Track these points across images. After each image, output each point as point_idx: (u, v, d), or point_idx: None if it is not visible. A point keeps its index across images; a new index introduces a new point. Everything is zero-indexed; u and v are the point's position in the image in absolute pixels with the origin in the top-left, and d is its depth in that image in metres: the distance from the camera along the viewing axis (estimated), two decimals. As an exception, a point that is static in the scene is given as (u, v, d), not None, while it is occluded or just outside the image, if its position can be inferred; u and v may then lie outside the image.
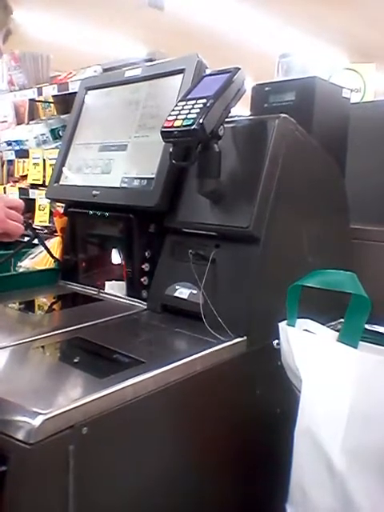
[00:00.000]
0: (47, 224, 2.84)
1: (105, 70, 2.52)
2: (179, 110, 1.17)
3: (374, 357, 0.94)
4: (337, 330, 1.05)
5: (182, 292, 1.29)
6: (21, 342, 1.14)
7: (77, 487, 0.85)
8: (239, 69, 1.22)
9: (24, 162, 3.17)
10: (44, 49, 3.39)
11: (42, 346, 1.14)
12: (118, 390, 0.92)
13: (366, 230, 1.58)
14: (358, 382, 0.93)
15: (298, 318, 1.08)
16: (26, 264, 1.94)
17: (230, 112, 1.20)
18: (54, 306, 1.57)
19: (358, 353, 0.95)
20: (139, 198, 1.38)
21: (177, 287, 1.31)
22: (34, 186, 3.01)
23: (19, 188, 3.16)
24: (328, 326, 1.10)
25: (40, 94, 3.04)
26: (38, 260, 1.93)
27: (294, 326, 1.07)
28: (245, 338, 1.17)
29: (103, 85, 1.68)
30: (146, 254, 1.42)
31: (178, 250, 1.36)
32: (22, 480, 0.80)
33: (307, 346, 1.01)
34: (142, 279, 1.42)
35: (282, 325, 1.08)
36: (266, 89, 1.48)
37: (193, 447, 1.09)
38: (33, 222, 2.92)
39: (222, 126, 1.17)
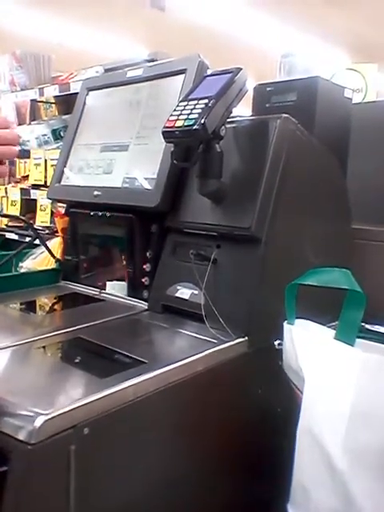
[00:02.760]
0: (48, 224, 2.84)
1: (106, 71, 2.53)
2: (181, 110, 1.17)
3: (376, 357, 0.93)
4: (338, 331, 1.05)
5: (183, 292, 1.29)
6: (22, 342, 1.14)
7: (78, 487, 0.85)
8: (241, 69, 1.22)
9: (25, 162, 3.18)
10: (45, 49, 3.40)
11: (43, 347, 1.14)
12: (119, 391, 0.92)
13: (367, 231, 1.58)
14: (360, 381, 0.92)
15: (299, 318, 1.08)
16: (28, 264, 1.95)
17: (231, 112, 1.19)
18: (55, 307, 1.57)
19: (361, 353, 0.94)
20: (140, 198, 1.38)
21: (178, 287, 1.31)
22: (35, 187, 3.01)
23: (21, 188, 3.17)
24: (328, 326, 1.09)
25: (41, 94, 3.05)
26: (39, 260, 1.93)
27: (292, 324, 1.07)
28: (246, 338, 1.17)
29: (105, 85, 1.68)
30: (148, 254, 1.42)
31: (179, 251, 1.36)
32: (23, 480, 0.80)
33: (311, 346, 1.02)
34: (143, 279, 1.42)
35: (287, 325, 1.08)
36: (268, 89, 1.47)
37: (194, 447, 1.09)
38: (34, 222, 2.93)
39: (223, 127, 1.17)
